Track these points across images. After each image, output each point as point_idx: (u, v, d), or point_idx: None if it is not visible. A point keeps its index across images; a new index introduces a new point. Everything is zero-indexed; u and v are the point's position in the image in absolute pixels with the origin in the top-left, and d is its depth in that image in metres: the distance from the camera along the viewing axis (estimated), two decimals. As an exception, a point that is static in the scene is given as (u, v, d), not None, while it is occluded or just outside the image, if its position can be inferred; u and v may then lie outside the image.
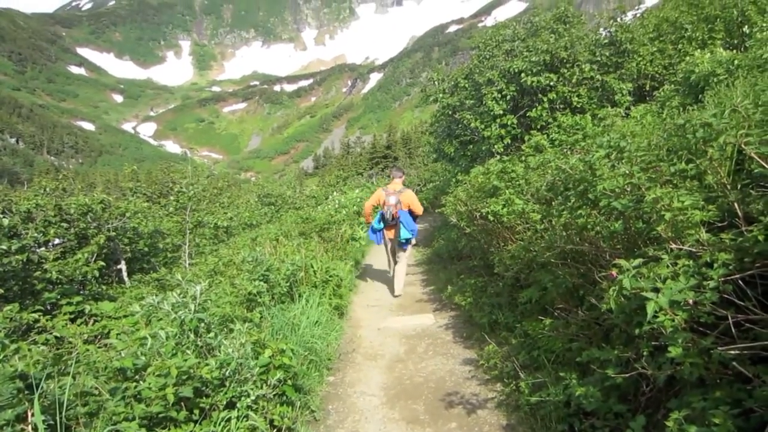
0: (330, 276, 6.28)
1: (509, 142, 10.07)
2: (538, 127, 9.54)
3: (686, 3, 10.69)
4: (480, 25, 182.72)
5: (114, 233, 8.15)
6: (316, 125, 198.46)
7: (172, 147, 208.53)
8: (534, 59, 9.57)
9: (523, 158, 6.77)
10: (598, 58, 9.55)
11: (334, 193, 19.53)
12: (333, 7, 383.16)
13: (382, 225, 7.42)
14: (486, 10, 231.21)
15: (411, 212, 7.36)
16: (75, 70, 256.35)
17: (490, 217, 5.45)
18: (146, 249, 9.99)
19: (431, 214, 18.81)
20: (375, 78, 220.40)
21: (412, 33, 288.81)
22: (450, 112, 11.71)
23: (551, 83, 9.51)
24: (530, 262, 4.54)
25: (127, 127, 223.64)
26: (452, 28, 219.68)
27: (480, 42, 11.83)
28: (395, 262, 7.73)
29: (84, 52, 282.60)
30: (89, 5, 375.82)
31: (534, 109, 9.82)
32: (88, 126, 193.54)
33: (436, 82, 12.33)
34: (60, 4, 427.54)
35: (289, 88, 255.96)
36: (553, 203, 4.02)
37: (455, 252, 9.06)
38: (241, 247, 9.05)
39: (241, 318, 3.76)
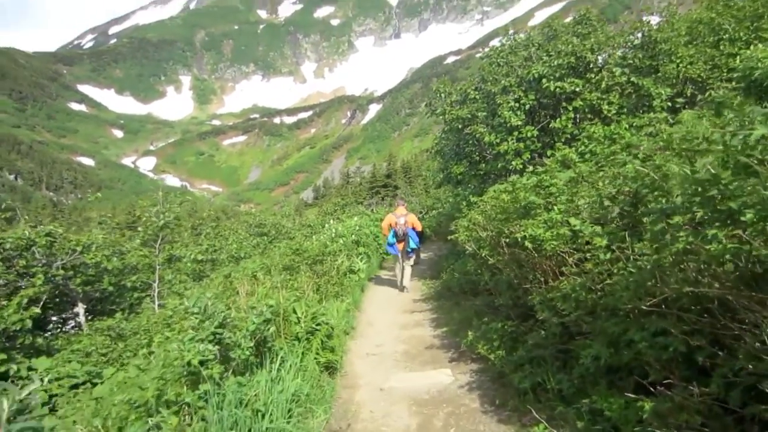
0: (318, 324, 4.87)
1: (528, 157, 8.90)
2: (563, 140, 8.48)
3: (722, 4, 9.54)
4: (477, 55, 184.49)
5: (64, 271, 6.77)
6: (316, 156, 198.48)
7: (171, 180, 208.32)
8: (557, 62, 8.61)
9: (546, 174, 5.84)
10: (631, 61, 8.51)
11: (331, 221, 18.12)
12: (332, 41, 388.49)
13: (395, 240, 10.28)
14: (483, 42, 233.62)
15: (414, 229, 10.40)
16: (75, 106, 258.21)
17: (527, 244, 4.10)
18: (111, 288, 8.56)
19: (434, 243, 17.86)
20: (374, 109, 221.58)
21: (411, 65, 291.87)
22: (459, 126, 10.44)
23: (577, 89, 8.46)
24: (593, 307, 3.25)
25: (127, 161, 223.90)
26: (450, 59, 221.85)
27: (491, 52, 10.92)
28: (403, 267, 10.53)
29: (85, 88, 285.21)
30: (91, 44, 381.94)
31: (557, 120, 8.73)
32: (87, 161, 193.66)
33: (442, 95, 11.21)
34: (62, 43, 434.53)
35: (289, 120, 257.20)
36: (644, 221, 2.74)
37: (470, 286, 8.02)
38: (214, 287, 7.85)
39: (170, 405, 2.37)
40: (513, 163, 8.87)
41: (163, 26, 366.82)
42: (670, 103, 8.21)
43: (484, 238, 5.69)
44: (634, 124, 7.20)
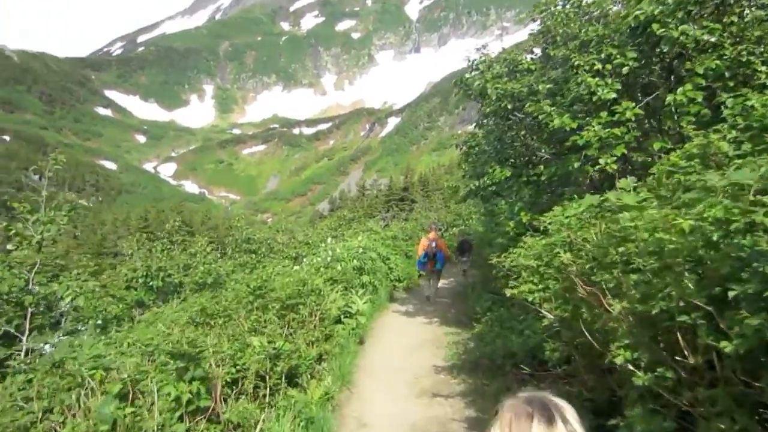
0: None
1: (623, 153, 5.60)
2: (682, 123, 5.31)
3: None
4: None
5: None
6: (334, 168, 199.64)
7: (190, 187, 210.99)
8: None
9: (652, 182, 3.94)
10: None
11: (329, 239, 14.87)
12: (352, 53, 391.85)
13: (426, 259, 11.32)
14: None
15: (441, 251, 11.36)
16: (101, 111, 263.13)
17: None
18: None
19: (456, 266, 15.06)
20: (393, 122, 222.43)
21: (430, 78, 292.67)
22: (510, 107, 7.18)
23: (713, 39, 5.35)
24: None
25: (148, 167, 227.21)
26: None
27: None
28: (431, 282, 12.01)
29: (111, 94, 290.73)
30: (119, 51, 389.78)
31: (677, 91, 5.30)
32: (110, 165, 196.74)
33: (479, 66, 8.20)
34: (93, 49, 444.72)
35: (308, 131, 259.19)
36: None
37: (528, 358, 5.25)
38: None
39: None
40: (602, 159, 5.49)
41: (188, 35, 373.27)
42: None
43: (573, 295, 3.59)
44: None
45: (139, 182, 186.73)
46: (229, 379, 4.66)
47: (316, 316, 7.15)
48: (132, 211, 67.62)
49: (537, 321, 4.95)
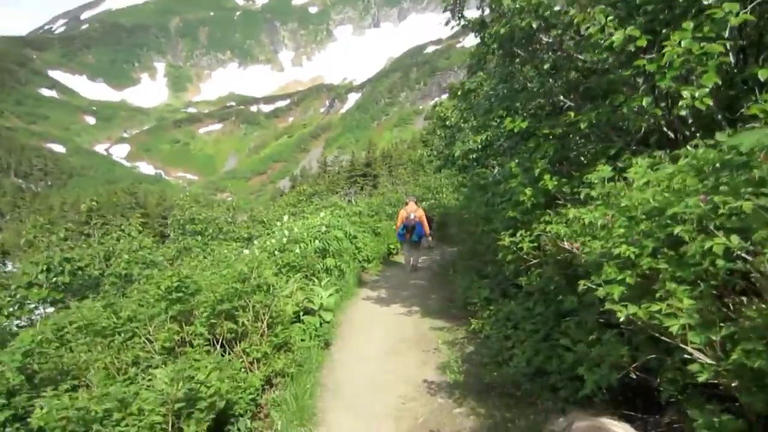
0: None
1: (717, 82, 3.29)
2: None
3: None
4: (458, 45, 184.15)
5: None
6: (294, 145, 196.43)
7: (145, 168, 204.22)
8: None
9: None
10: None
11: (285, 217, 12.37)
12: (310, 29, 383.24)
13: (405, 230, 11.53)
14: (464, 32, 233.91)
15: (420, 222, 11.47)
16: (46, 92, 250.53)
17: None
18: None
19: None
20: (353, 98, 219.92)
21: (390, 54, 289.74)
22: (532, 26, 4.72)
23: None
24: None
25: (100, 149, 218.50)
26: (430, 49, 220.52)
27: None
28: (411, 254, 12.30)
29: (56, 74, 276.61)
30: (62, 29, 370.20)
31: None
32: (58, 148, 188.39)
33: None
34: (32, 28, 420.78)
35: (266, 108, 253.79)
36: None
37: (563, 379, 3.87)
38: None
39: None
40: (684, 93, 3.37)
41: (136, 11, 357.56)
42: None
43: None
44: None
45: (90, 165, 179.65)
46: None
47: (263, 321, 5.44)
48: (82, 195, 64.50)
49: (600, 328, 3.39)
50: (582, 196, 3.63)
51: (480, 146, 7.07)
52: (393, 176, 42.15)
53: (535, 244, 4.24)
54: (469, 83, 7.92)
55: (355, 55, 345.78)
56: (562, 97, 5.23)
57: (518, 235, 4.47)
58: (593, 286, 2.75)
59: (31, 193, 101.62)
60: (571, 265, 3.68)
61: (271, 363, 5.11)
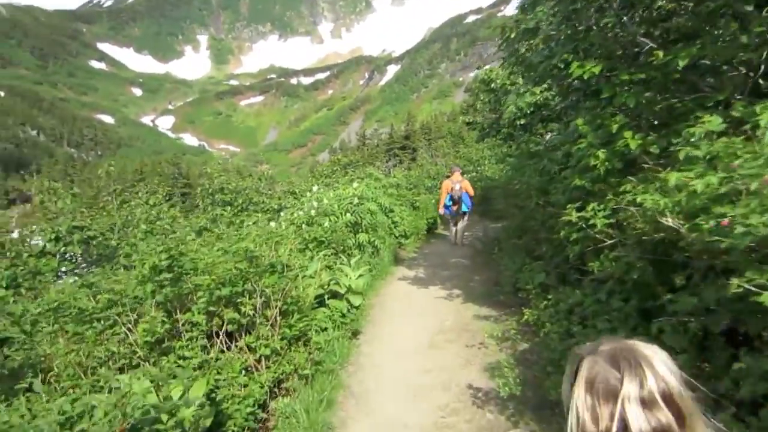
0: None
1: None
2: None
3: None
4: (499, 14, 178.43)
5: None
6: (333, 118, 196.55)
7: (189, 140, 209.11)
8: None
9: None
10: None
11: (315, 187, 11.33)
12: (349, 0, 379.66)
13: (451, 203, 10.80)
14: (505, 0, 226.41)
15: (467, 193, 10.78)
16: (95, 64, 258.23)
17: None
18: None
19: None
20: (392, 70, 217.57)
21: (429, 24, 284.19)
22: None
23: None
24: None
25: (146, 120, 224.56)
26: (470, 18, 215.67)
27: None
28: (456, 226, 11.42)
29: (104, 47, 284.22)
30: (110, 2, 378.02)
31: None
32: (107, 119, 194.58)
33: None
34: (81, 2, 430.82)
35: (306, 81, 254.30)
36: None
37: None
38: None
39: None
40: None
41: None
42: None
43: None
44: None
45: (137, 136, 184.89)
46: None
47: (276, 307, 4.43)
48: (129, 164, 65.86)
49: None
50: (681, 156, 2.77)
51: (530, 110, 5.78)
52: (432, 149, 41.09)
53: (611, 221, 3.39)
54: (525, 22, 5.74)
55: (394, 26, 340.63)
56: (641, 38, 4.02)
57: (589, 208, 3.55)
58: (753, 289, 1.89)
59: (82, 162, 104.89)
60: (669, 248, 2.85)
61: (282, 361, 4.26)
